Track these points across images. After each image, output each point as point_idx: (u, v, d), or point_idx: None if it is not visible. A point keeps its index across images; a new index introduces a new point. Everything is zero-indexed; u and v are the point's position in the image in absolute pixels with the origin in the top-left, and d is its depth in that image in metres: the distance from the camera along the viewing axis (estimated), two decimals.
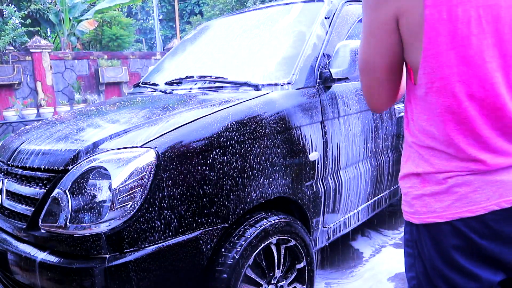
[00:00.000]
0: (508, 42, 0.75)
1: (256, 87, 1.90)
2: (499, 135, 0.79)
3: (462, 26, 0.74)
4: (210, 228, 1.51)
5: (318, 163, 1.96)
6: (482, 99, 0.77)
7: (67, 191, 1.39)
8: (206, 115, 1.58)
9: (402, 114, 2.60)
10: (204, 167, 1.49)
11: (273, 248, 1.72)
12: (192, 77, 2.19)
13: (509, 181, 0.79)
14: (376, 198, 2.50)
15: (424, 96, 0.82)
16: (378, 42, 0.86)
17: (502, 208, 0.78)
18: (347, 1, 2.37)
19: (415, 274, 0.91)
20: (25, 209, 1.57)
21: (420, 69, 0.80)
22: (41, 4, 9.82)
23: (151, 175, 1.37)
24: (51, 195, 1.44)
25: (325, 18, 2.19)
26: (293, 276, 1.83)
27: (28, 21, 9.31)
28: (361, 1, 2.55)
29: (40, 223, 1.45)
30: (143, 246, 1.36)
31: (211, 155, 1.51)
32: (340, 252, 2.73)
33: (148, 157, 1.38)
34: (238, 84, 1.98)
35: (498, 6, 0.74)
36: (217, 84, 2.05)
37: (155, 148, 1.40)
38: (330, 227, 2.14)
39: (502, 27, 0.74)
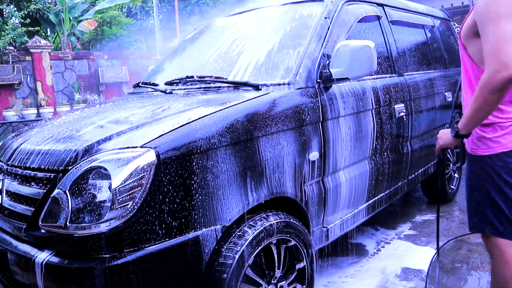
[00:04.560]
0: None
1: (256, 87, 1.90)
2: None
3: None
4: (210, 228, 1.51)
5: (318, 163, 1.96)
6: None
7: (67, 191, 1.39)
8: (206, 115, 1.58)
9: (402, 114, 2.60)
10: (205, 167, 1.49)
11: (273, 248, 1.72)
12: (192, 77, 2.19)
13: None
14: (376, 197, 2.50)
15: None
16: None
17: None
18: (347, 1, 2.37)
19: (480, 185, 1.48)
20: (25, 209, 1.57)
21: None
22: (41, 4, 9.80)
23: (151, 175, 1.37)
24: (51, 195, 1.43)
25: (325, 18, 2.19)
26: (293, 276, 1.83)
27: (28, 21, 9.29)
28: (361, 0, 2.56)
29: (40, 223, 1.45)
30: (143, 246, 1.36)
31: (212, 155, 1.51)
32: (341, 252, 2.74)
33: (148, 157, 1.38)
34: (238, 84, 1.98)
35: None
36: (217, 84, 2.05)
37: (155, 148, 1.40)
38: (330, 226, 2.14)
39: None
